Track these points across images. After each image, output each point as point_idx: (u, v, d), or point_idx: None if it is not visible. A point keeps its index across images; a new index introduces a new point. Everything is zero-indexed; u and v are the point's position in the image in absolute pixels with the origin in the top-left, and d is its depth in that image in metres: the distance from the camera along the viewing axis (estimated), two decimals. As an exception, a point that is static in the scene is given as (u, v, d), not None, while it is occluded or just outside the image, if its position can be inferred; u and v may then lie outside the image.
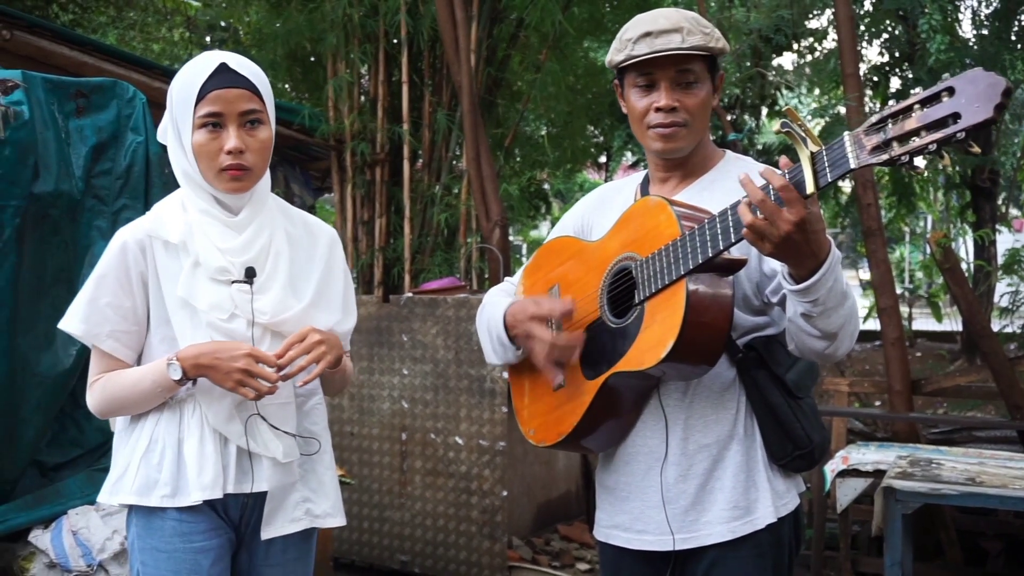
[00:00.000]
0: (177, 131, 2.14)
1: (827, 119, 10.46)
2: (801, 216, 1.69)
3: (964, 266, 10.10)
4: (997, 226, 12.83)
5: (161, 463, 2.12)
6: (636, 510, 2.13)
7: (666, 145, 2.12)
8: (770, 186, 1.70)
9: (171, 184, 2.25)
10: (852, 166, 1.60)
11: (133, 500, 2.13)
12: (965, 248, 14.41)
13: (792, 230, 1.70)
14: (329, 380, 2.30)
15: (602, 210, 2.29)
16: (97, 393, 2.18)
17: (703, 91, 2.10)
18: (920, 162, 1.54)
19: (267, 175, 2.25)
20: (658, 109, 2.09)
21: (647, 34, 2.07)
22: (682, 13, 2.09)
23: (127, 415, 2.20)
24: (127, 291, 2.14)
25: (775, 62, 10.77)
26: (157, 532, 2.13)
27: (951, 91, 1.49)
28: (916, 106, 1.53)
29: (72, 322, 2.16)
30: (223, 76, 2.09)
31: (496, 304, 2.31)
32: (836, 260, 1.81)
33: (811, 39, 11.50)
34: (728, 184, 2.09)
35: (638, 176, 2.33)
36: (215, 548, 2.15)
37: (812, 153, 1.66)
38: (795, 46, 10.98)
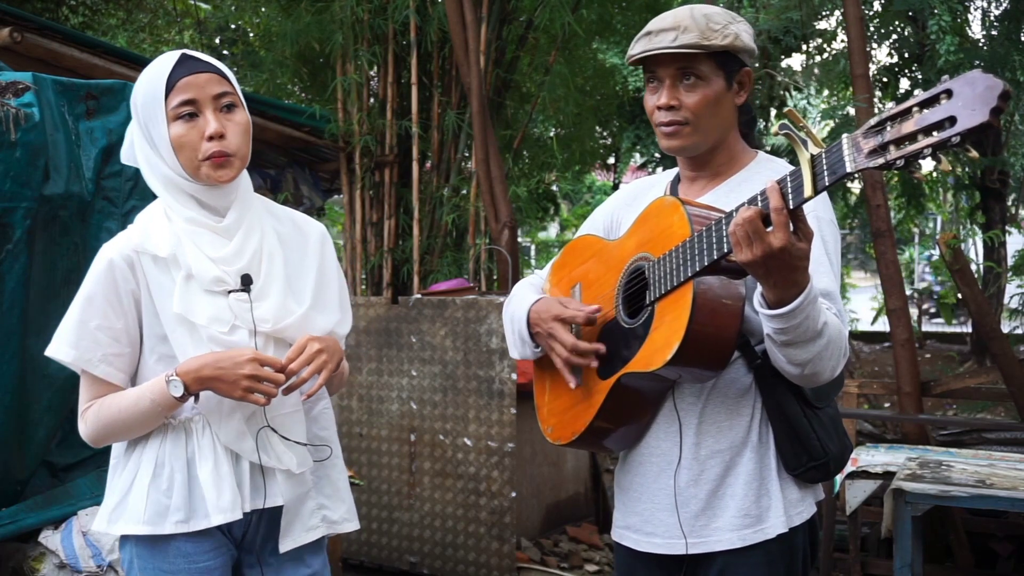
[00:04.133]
0: (148, 136, 2.06)
1: (836, 120, 10.43)
2: (783, 244, 1.69)
3: (973, 267, 10.06)
4: (1007, 227, 12.77)
5: (171, 488, 2.04)
6: (646, 512, 2.12)
7: (668, 143, 2.12)
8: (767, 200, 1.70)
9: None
10: (848, 170, 1.58)
11: (144, 530, 2.04)
12: (975, 249, 14.36)
13: (775, 251, 1.70)
14: (328, 383, 2.22)
15: (633, 206, 2.26)
16: (91, 421, 2.09)
17: (709, 89, 2.06)
18: (927, 165, 1.52)
19: (247, 175, 2.16)
20: (659, 107, 2.09)
21: (648, 33, 2.07)
22: (696, 12, 2.06)
23: (124, 440, 2.12)
24: (117, 312, 2.04)
25: (784, 63, 10.75)
26: (160, 553, 2.06)
27: (949, 93, 1.47)
28: (915, 108, 1.51)
29: (61, 348, 2.05)
30: (188, 64, 2.04)
31: (522, 298, 2.28)
32: (810, 300, 1.78)
33: (820, 40, 11.47)
34: (756, 186, 2.01)
35: (670, 174, 2.32)
36: (219, 567, 2.09)
37: (812, 156, 1.65)
38: (804, 47, 10.96)
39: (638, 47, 2.08)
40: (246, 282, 2.07)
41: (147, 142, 2.08)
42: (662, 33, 2.04)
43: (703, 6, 2.11)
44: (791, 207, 1.68)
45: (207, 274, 2.04)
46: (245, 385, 1.97)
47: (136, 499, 2.06)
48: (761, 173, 2.11)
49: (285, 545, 2.12)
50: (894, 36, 11.19)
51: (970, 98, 1.44)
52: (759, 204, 1.73)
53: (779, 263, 1.72)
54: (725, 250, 1.80)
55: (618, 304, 2.08)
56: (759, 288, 1.83)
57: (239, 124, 2.06)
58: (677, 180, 2.26)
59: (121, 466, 2.12)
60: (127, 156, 2.18)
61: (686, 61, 2.05)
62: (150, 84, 2.05)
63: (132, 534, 2.07)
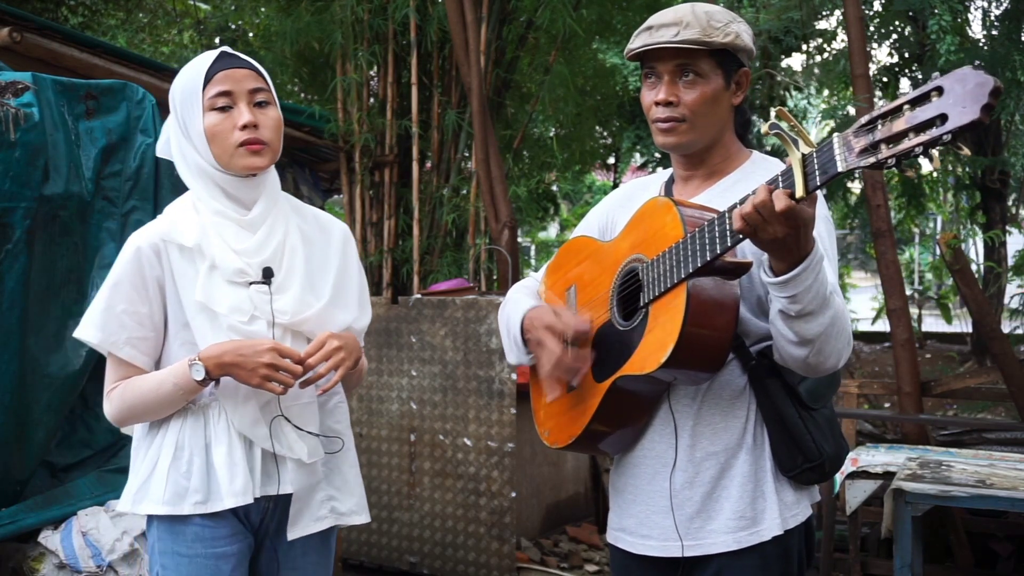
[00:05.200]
0: (183, 127, 2.14)
1: (837, 120, 10.44)
2: (797, 225, 1.70)
3: (974, 267, 10.05)
4: (1007, 227, 12.77)
5: (190, 470, 2.11)
6: (641, 514, 2.11)
7: (664, 139, 2.10)
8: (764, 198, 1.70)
9: (180, 186, 2.26)
10: (840, 169, 1.58)
11: (164, 510, 2.11)
12: (975, 249, 14.36)
13: (789, 233, 1.71)
14: (346, 379, 2.29)
15: (628, 207, 2.24)
16: (115, 401, 2.16)
17: (707, 86, 2.05)
18: (926, 164, 1.52)
19: (276, 173, 2.25)
20: (657, 103, 2.08)
21: (648, 28, 2.07)
22: (698, 9, 2.06)
23: (147, 421, 2.18)
24: (143, 297, 2.12)
25: (784, 63, 10.75)
26: (180, 537, 2.12)
27: (940, 91, 1.46)
28: (906, 106, 1.50)
29: (88, 330, 2.13)
30: (227, 60, 2.14)
31: (517, 303, 2.28)
32: (818, 260, 1.78)
33: (820, 40, 11.48)
34: (751, 186, 2.01)
35: (665, 174, 2.31)
36: (236, 554, 2.15)
37: (803, 156, 1.64)
38: (804, 47, 10.96)
39: (638, 41, 2.08)
40: (267, 275, 2.14)
41: (183, 133, 2.15)
42: (663, 28, 2.04)
43: (704, 4, 2.10)
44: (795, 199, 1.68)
45: (230, 265, 2.11)
46: (263, 373, 2.03)
47: (158, 481, 2.12)
48: (756, 173, 2.11)
49: (293, 533, 2.17)
50: (894, 36, 11.20)
51: (961, 95, 1.43)
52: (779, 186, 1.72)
53: (795, 235, 1.72)
54: (719, 251, 1.79)
55: (612, 306, 2.07)
56: (766, 262, 1.83)
57: (271, 118, 2.15)
58: (671, 180, 2.25)
59: (144, 449, 2.18)
60: (162, 150, 2.25)
61: (686, 57, 2.04)
62: (189, 78, 2.14)
63: (154, 514, 2.14)
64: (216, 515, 2.11)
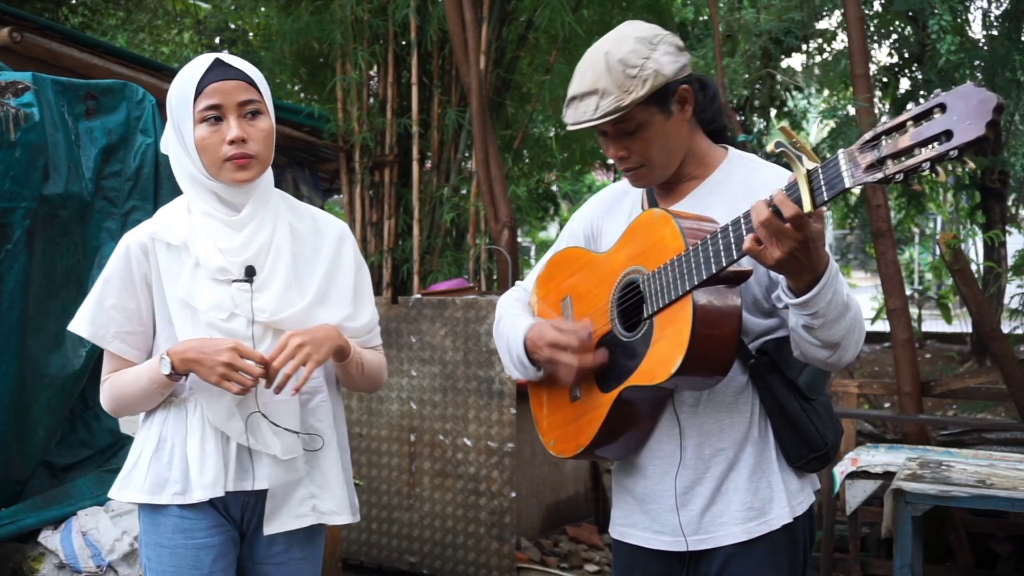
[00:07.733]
0: (179, 133, 2.17)
1: (836, 120, 10.44)
2: (804, 238, 1.71)
3: (974, 267, 10.04)
4: (1007, 227, 12.76)
5: (171, 462, 2.16)
6: (653, 512, 2.14)
7: (636, 183, 2.16)
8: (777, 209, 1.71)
9: (179, 186, 2.27)
10: (847, 185, 1.60)
11: (144, 499, 2.17)
12: (975, 249, 14.35)
13: (796, 247, 1.72)
14: (344, 373, 2.30)
15: (611, 213, 2.29)
16: (106, 392, 2.24)
17: (651, 131, 2.03)
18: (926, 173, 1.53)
19: (270, 173, 2.26)
20: (614, 158, 2.11)
21: (572, 99, 2.06)
22: (611, 61, 1.99)
23: (137, 412, 2.25)
24: (131, 293, 2.19)
25: (784, 63, 10.75)
26: (160, 528, 2.17)
27: (943, 107, 1.49)
28: (909, 122, 1.53)
29: (80, 323, 2.22)
30: (219, 70, 2.14)
31: (513, 320, 2.30)
32: (834, 273, 1.81)
33: (820, 40, 11.47)
34: (732, 187, 2.09)
35: None
36: (217, 545, 2.17)
37: (808, 171, 1.66)
38: (804, 47, 10.96)
39: (568, 116, 2.07)
40: (249, 273, 2.16)
41: (178, 140, 2.18)
42: (585, 100, 2.02)
43: (617, 49, 2.01)
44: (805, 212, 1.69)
45: (213, 263, 2.15)
46: (221, 372, 2.06)
47: (140, 470, 2.20)
48: (735, 173, 2.14)
49: (269, 529, 2.19)
50: (894, 36, 11.19)
51: (964, 112, 1.46)
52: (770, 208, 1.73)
53: (805, 253, 1.74)
54: (724, 263, 1.81)
55: (613, 318, 2.08)
56: (782, 283, 1.86)
57: (262, 130, 2.16)
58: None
59: (139, 439, 2.25)
60: (165, 146, 2.28)
61: (616, 118, 2.02)
62: (182, 87, 2.15)
63: (135, 502, 2.20)
64: (195, 507, 2.15)
